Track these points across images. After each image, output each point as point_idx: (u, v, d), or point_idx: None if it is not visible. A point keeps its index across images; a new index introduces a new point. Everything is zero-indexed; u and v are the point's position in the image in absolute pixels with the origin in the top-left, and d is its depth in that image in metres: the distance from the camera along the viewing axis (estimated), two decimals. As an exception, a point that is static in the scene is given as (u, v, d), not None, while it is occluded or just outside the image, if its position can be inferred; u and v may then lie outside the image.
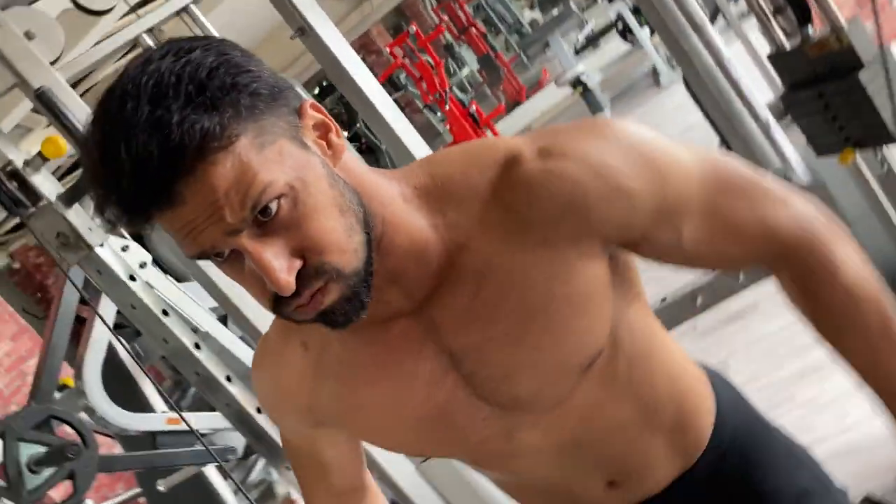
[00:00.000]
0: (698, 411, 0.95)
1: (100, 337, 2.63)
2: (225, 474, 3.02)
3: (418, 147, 2.00)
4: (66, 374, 2.79)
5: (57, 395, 3.19)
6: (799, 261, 0.83)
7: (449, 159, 0.78)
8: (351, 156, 0.74)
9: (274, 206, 0.65)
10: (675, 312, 2.42)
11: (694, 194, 0.78)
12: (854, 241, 0.85)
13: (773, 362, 2.91)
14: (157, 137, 0.60)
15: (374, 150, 6.08)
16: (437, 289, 0.75)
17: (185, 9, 1.84)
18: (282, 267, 0.65)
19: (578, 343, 0.77)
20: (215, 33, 1.96)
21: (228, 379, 1.75)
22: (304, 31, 1.98)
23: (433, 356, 0.78)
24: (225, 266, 0.69)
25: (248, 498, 1.45)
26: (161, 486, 2.63)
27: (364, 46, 10.26)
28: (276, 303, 0.68)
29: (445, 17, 9.48)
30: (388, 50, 7.83)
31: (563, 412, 0.83)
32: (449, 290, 0.75)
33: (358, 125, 8.16)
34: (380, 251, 0.72)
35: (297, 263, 0.66)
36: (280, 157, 0.65)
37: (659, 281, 4.14)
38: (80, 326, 2.71)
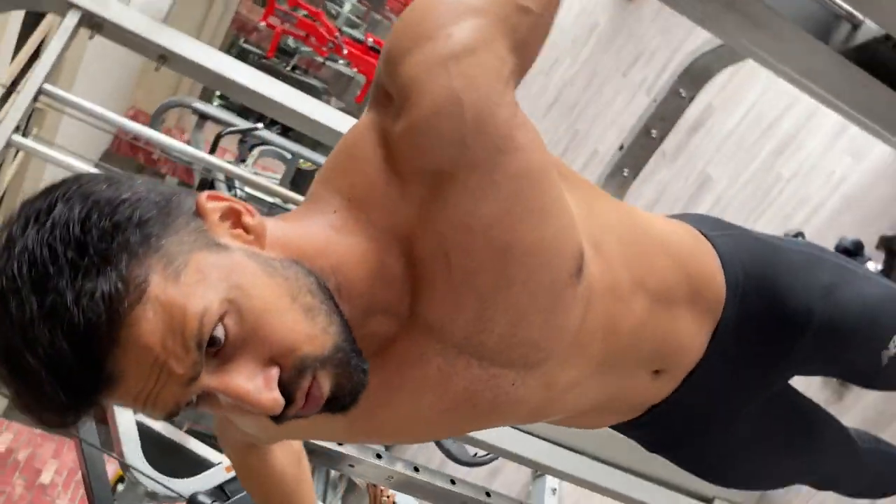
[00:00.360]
0: (704, 267, 0.93)
1: (126, 423, 2.62)
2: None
3: (325, 116, 1.94)
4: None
5: (120, 486, 3.22)
6: None
7: (337, 170, 0.71)
8: (274, 224, 0.67)
9: (220, 331, 0.57)
10: (639, 151, 2.41)
11: None
12: None
13: (747, 152, 2.91)
14: (60, 328, 0.53)
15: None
16: (414, 292, 0.70)
17: (40, 92, 1.76)
18: (258, 388, 0.59)
19: (559, 248, 0.72)
20: (82, 101, 1.88)
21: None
22: (164, 57, 1.89)
23: (437, 354, 0.73)
24: (202, 407, 0.62)
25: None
26: (251, 526, 2.67)
27: (241, 30, 9.94)
28: (276, 419, 0.62)
29: (303, -35, 9.14)
30: (264, 24, 7.57)
31: (584, 340, 0.79)
32: (424, 286, 0.70)
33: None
34: (343, 298, 0.66)
35: (274, 372, 0.60)
36: (202, 275, 0.58)
37: (613, 125, 4.13)
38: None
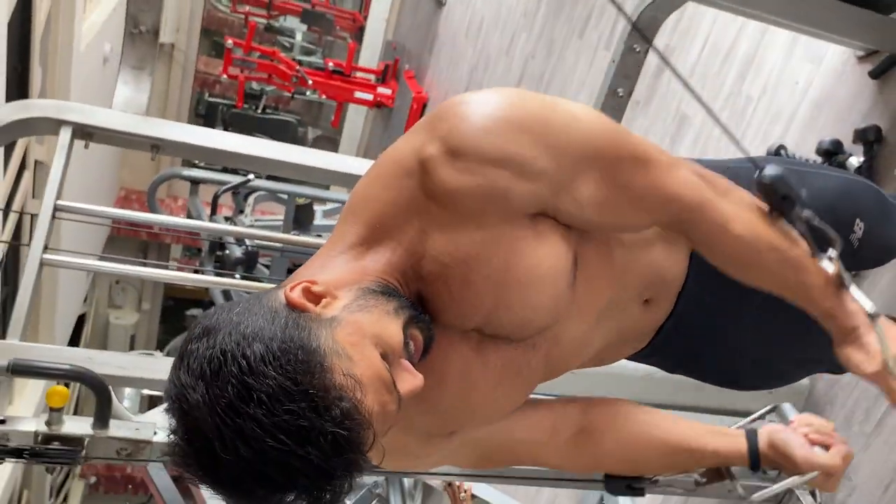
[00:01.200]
0: None
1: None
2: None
3: (315, 160, 2.06)
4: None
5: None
6: (693, 222, 0.92)
7: (368, 198, 0.85)
8: (327, 277, 0.80)
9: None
10: (612, 112, 2.50)
11: (591, 166, 0.84)
12: (738, 190, 0.95)
13: (714, 82, 3.00)
14: (352, 450, 0.68)
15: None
16: (426, 299, 0.84)
17: (56, 209, 1.88)
18: (414, 379, 0.76)
19: (556, 273, 0.85)
20: (95, 207, 2.00)
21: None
22: (157, 146, 2.01)
23: (462, 338, 0.86)
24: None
25: None
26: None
27: (205, 86, 10.05)
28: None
29: (247, 8, 9.24)
30: (225, 76, 7.68)
31: (580, 302, 0.92)
32: (433, 297, 0.84)
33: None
34: None
35: (406, 362, 0.77)
36: (357, 345, 0.73)
37: (583, 87, 4.19)
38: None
